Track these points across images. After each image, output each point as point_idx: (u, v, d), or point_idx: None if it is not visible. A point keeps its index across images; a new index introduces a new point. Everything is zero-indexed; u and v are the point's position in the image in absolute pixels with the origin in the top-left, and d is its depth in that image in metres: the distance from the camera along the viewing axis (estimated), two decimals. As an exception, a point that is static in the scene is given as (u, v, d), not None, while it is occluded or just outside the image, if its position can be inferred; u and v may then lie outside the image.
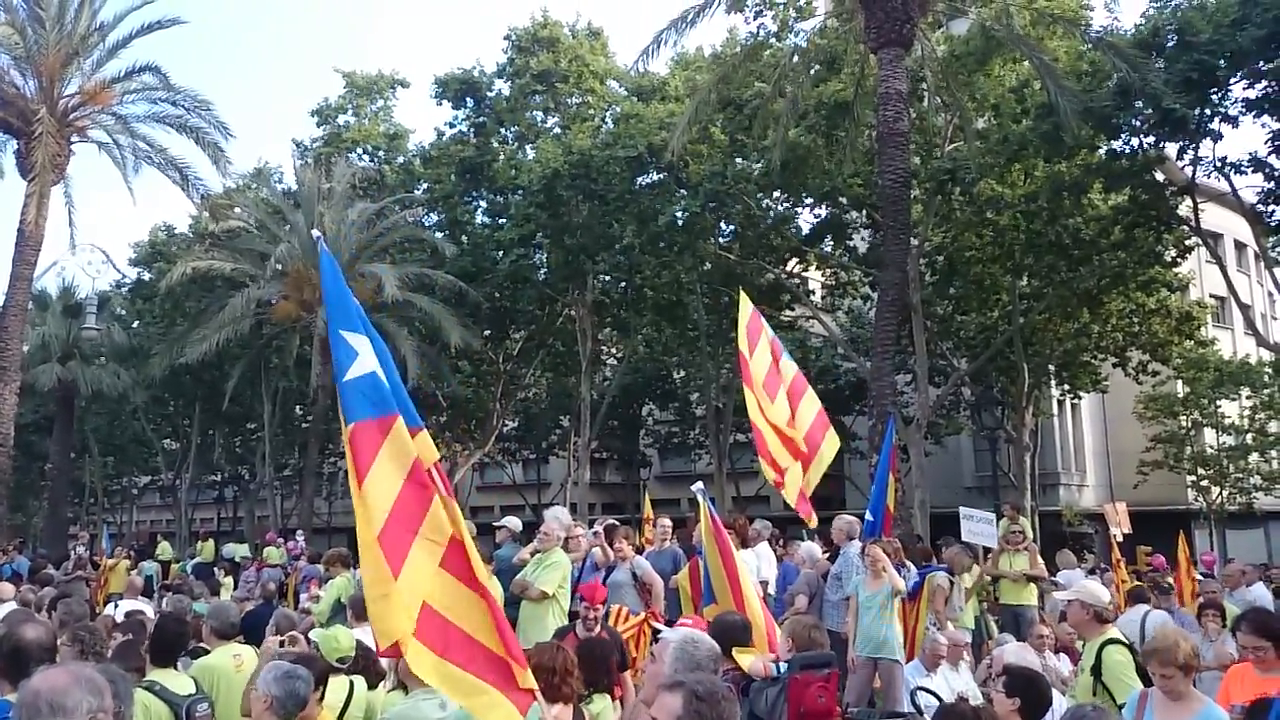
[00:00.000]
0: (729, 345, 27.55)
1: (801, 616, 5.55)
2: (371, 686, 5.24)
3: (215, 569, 17.80)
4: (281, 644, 5.85)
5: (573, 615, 7.26)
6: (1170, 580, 12.97)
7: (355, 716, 4.89)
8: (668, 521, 10.04)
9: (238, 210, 27.83)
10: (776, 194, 24.14)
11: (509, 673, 3.78)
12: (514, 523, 9.92)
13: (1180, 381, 27.05)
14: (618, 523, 9.75)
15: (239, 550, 22.41)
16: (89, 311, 25.76)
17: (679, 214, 22.84)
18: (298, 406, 33.56)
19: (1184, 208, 19.76)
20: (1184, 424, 27.97)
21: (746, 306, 9.36)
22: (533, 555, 8.05)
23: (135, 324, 33.90)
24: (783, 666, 5.01)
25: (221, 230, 26.83)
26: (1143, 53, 16.88)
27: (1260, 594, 11.02)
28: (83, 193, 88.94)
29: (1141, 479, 27.69)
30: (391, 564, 3.79)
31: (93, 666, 2.84)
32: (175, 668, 5.18)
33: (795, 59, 20.88)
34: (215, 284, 27.20)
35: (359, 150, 31.52)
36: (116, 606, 9.37)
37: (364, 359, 4.13)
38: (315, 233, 4.77)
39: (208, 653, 5.78)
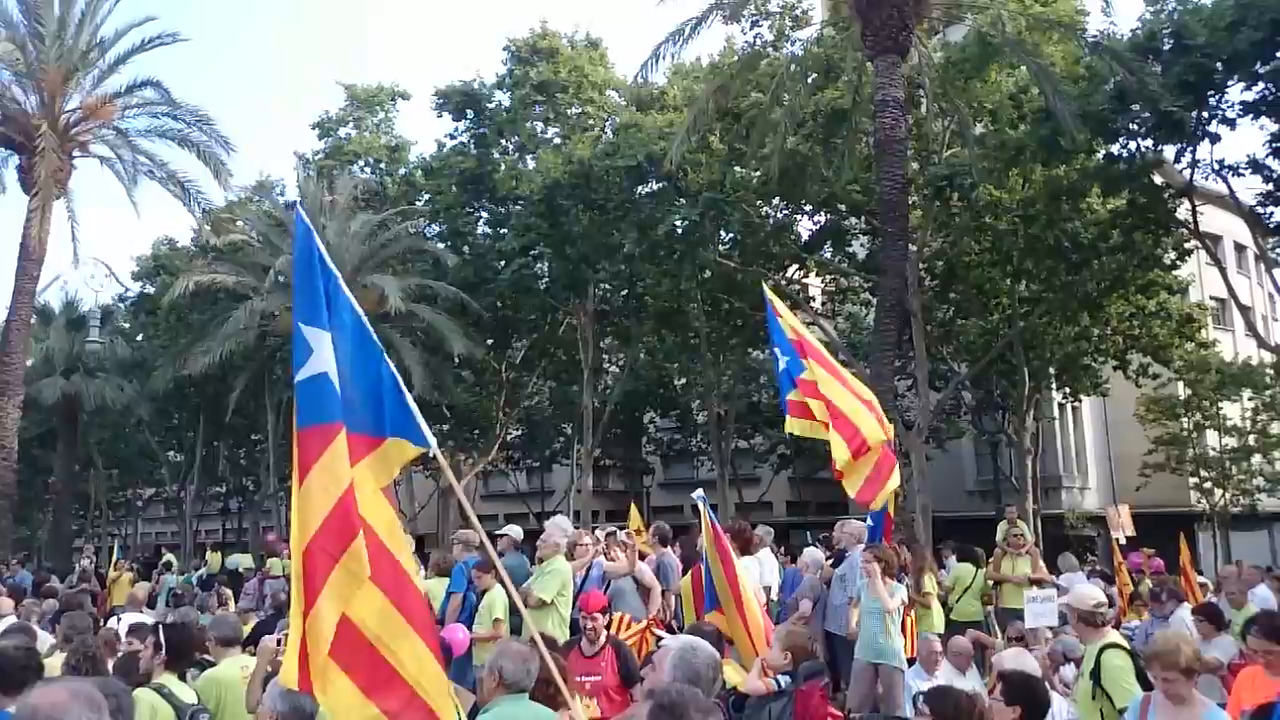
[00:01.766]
0: (730, 352, 27.65)
1: (797, 628, 5.58)
2: None
3: (216, 581, 17.81)
4: (279, 643, 5.88)
5: (575, 624, 7.28)
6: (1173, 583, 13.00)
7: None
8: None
9: (240, 223, 27.94)
10: (775, 201, 24.20)
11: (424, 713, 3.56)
12: (515, 531, 9.96)
13: (1181, 384, 27.04)
14: (617, 530, 9.76)
15: (242, 561, 22.40)
16: (92, 325, 25.87)
17: (679, 222, 22.91)
18: (301, 417, 33.56)
19: (1183, 210, 19.80)
20: (1186, 426, 27.95)
21: (773, 302, 8.77)
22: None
23: (139, 337, 34.01)
24: (783, 680, 5.03)
25: (224, 243, 26.93)
26: (1140, 56, 16.96)
27: (1264, 595, 11.02)
28: (85, 207, 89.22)
29: (1144, 481, 27.66)
30: (309, 584, 3.58)
31: (92, 682, 2.87)
32: (185, 676, 5.24)
33: (792, 68, 20.97)
34: (218, 297, 27.28)
35: (361, 162, 31.64)
36: (120, 620, 9.39)
37: (318, 358, 3.84)
38: (295, 200, 4.39)
39: (214, 664, 5.83)
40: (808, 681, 5.01)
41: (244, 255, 27.43)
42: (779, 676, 5.43)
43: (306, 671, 3.53)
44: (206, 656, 6.11)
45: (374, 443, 3.84)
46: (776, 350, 8.40)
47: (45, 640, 7.20)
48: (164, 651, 5.15)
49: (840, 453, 7.59)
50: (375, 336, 4.03)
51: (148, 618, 9.20)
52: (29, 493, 36.27)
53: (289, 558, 20.34)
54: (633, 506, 16.00)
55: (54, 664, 5.47)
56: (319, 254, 3.92)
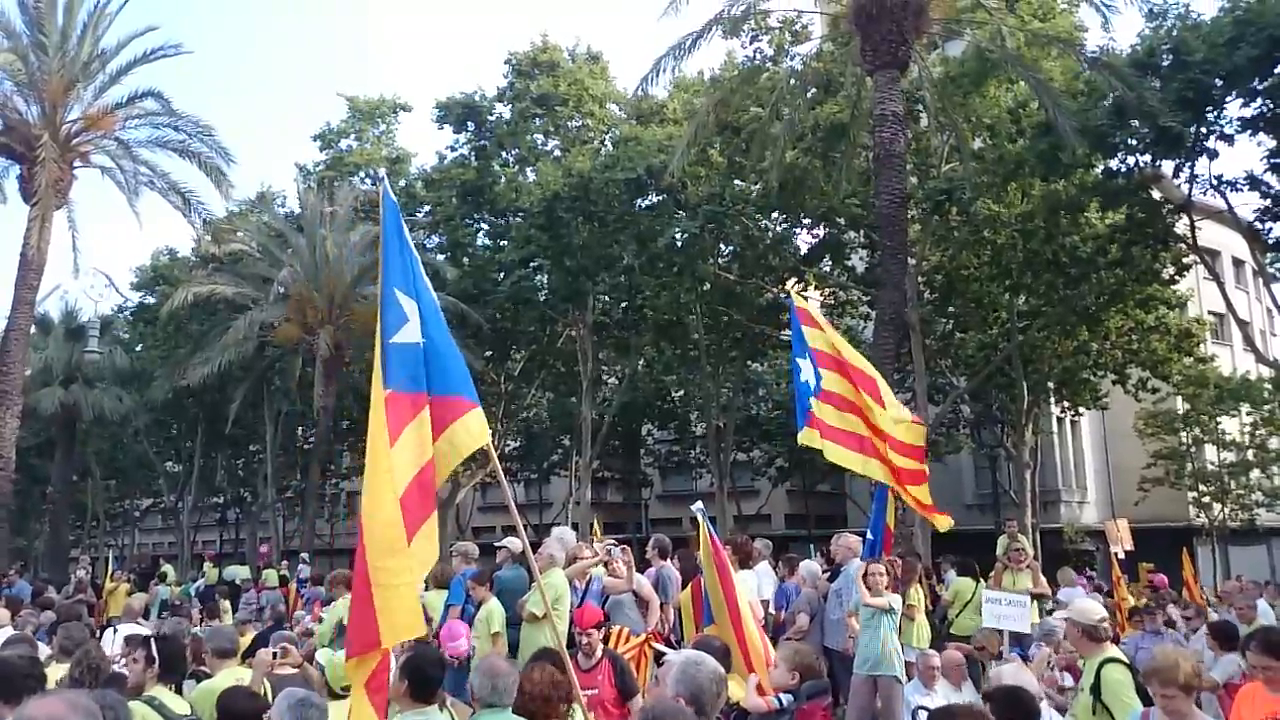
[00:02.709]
0: (729, 364, 27.67)
1: (803, 645, 5.55)
2: None
3: (215, 592, 17.77)
4: (274, 656, 5.86)
5: (573, 637, 7.24)
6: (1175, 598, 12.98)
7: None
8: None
9: (240, 234, 27.98)
10: (774, 215, 24.28)
11: None
12: (514, 543, 9.90)
13: (1180, 398, 27.05)
14: (615, 544, 9.71)
15: (240, 572, 22.36)
16: (91, 335, 25.83)
17: (678, 235, 22.96)
18: (299, 429, 33.62)
19: (1181, 225, 19.85)
20: (1184, 440, 27.94)
21: (803, 311, 8.59)
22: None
23: (138, 348, 34.02)
24: (785, 698, 5.00)
25: (224, 254, 26.95)
26: (1139, 72, 17.02)
27: (1264, 610, 11.01)
28: (85, 218, 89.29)
29: (1142, 495, 27.64)
30: (409, 526, 3.82)
31: (89, 694, 2.86)
32: (178, 688, 5.21)
33: (792, 82, 21.05)
34: (218, 307, 27.31)
35: (361, 174, 31.72)
36: (116, 631, 9.35)
37: (411, 327, 4.09)
38: (381, 172, 4.80)
39: (210, 676, 5.81)
40: (810, 701, 4.97)
41: (244, 266, 27.47)
42: (781, 695, 5.39)
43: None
44: (203, 668, 6.09)
45: (467, 406, 4.16)
46: (799, 361, 8.32)
47: (42, 651, 7.17)
48: (155, 664, 5.12)
49: (872, 470, 7.77)
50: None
51: (144, 629, 9.16)
52: (26, 502, 36.22)
53: (283, 569, 20.12)
54: (594, 522, 15.43)
55: (53, 674, 5.45)
56: (404, 228, 4.35)
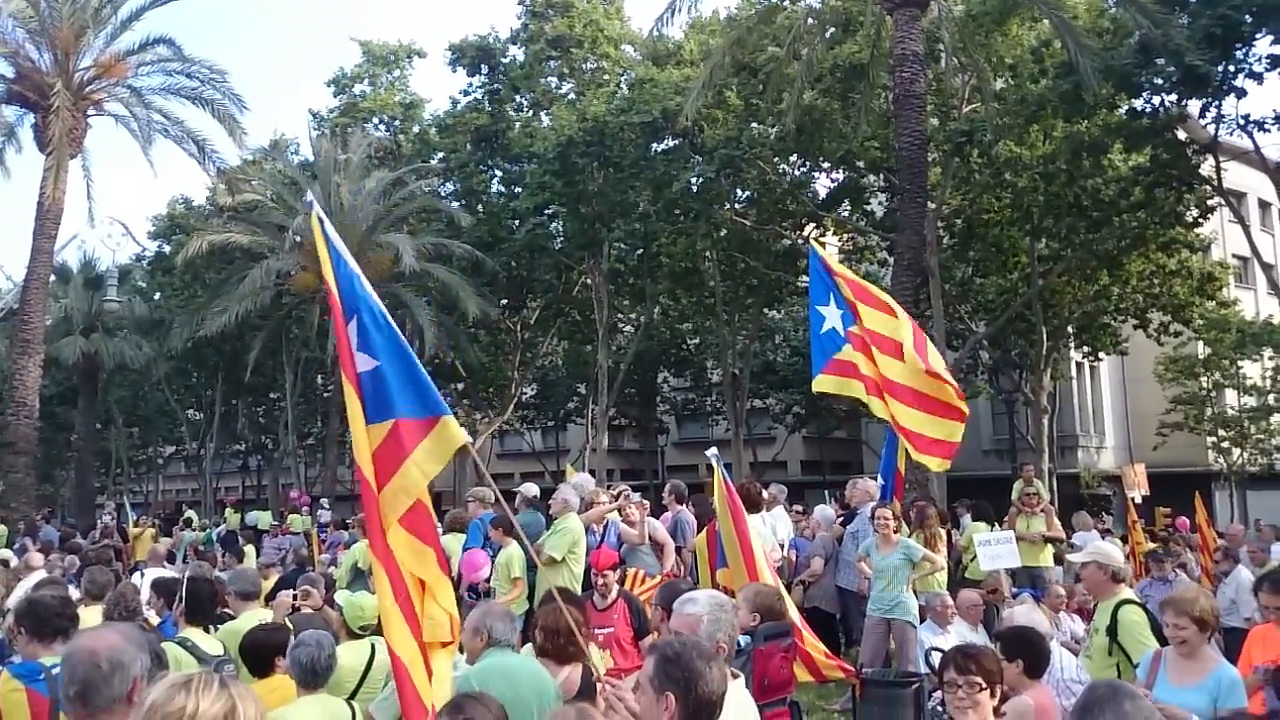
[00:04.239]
0: (745, 311, 27.56)
1: (764, 586, 5.59)
2: None
3: (239, 537, 18.08)
4: (295, 598, 5.96)
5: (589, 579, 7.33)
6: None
7: (377, 679, 4.97)
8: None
9: (254, 182, 27.92)
10: (792, 158, 23.96)
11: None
12: (529, 489, 10.03)
13: (1201, 343, 26.82)
14: (629, 489, 9.78)
15: (263, 518, 22.71)
16: (110, 284, 25.92)
17: (694, 180, 22.74)
18: (319, 375, 33.83)
19: (1206, 167, 19.48)
20: (1205, 385, 27.77)
21: (825, 260, 8.44)
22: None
23: (156, 296, 34.19)
24: (743, 639, 5.01)
25: (239, 202, 26.94)
26: (1165, 9, 16.57)
27: (1277, 553, 11.02)
28: (101, 166, 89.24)
29: (1161, 441, 27.55)
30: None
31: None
32: (207, 628, 5.33)
33: (810, 21, 20.65)
34: (234, 256, 27.36)
35: (375, 120, 31.50)
36: (143, 575, 9.55)
37: (364, 356, 3.84)
38: (308, 198, 4.26)
39: (233, 618, 5.92)
40: (769, 642, 4.95)
41: (259, 214, 27.45)
42: (740, 636, 5.43)
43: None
44: (227, 610, 6.21)
45: (428, 424, 3.76)
46: (820, 309, 8.27)
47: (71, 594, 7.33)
48: (183, 605, 5.23)
49: (897, 412, 7.73)
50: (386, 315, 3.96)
51: (170, 573, 9.36)
52: (51, 450, 36.77)
53: (308, 513, 20.40)
54: (569, 466, 14.58)
55: (82, 616, 5.57)
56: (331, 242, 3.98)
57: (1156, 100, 18.26)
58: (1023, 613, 5.50)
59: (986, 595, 8.84)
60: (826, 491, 19.84)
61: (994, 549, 9.00)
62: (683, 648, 2.79)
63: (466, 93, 29.48)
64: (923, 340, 8.31)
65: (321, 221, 4.02)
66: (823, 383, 8.29)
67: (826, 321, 8.23)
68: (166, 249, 33.02)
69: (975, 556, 11.59)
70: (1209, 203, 20.91)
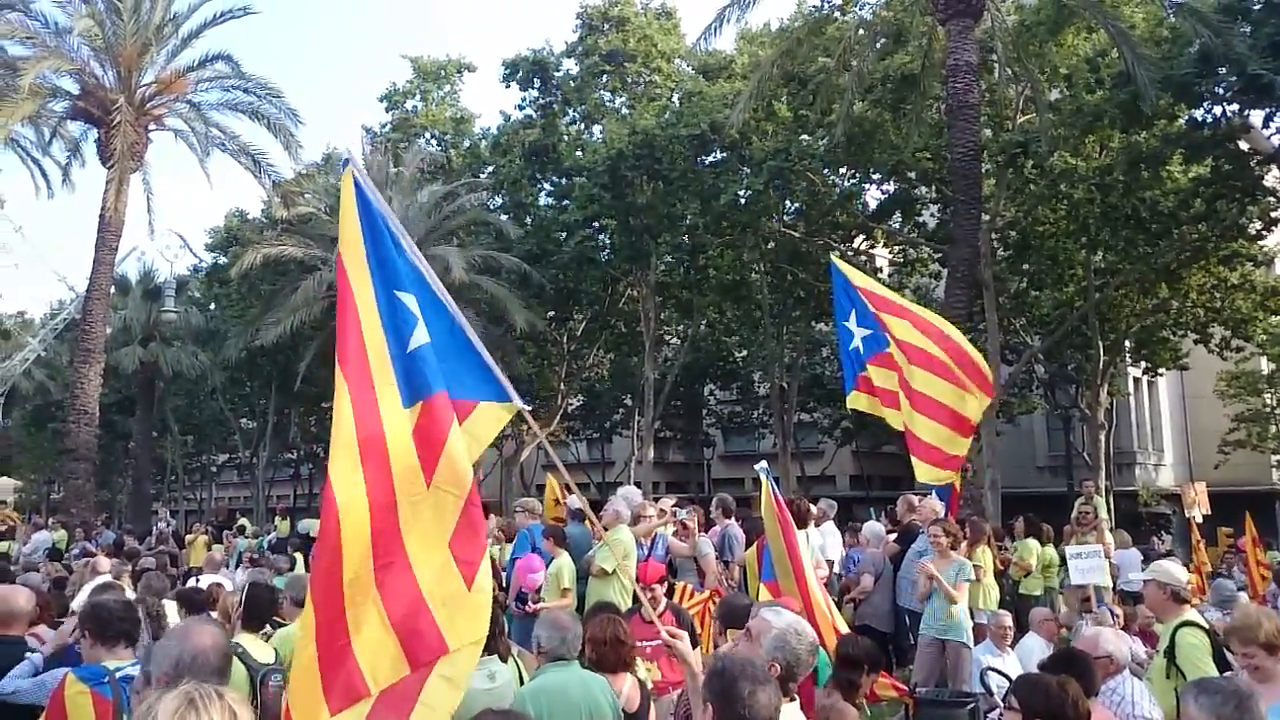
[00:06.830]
0: (793, 325, 27.38)
1: (736, 595, 5.59)
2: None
3: (287, 545, 18.25)
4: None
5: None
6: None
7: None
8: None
9: (307, 196, 28.38)
10: (842, 170, 23.79)
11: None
12: (573, 501, 10.02)
13: (1265, 358, 26.11)
14: (675, 507, 9.75)
15: (313, 526, 22.92)
16: (168, 295, 26.52)
17: (742, 192, 22.66)
18: (370, 386, 34.16)
19: (1270, 178, 19.04)
20: (1268, 402, 27.02)
21: (847, 274, 8.35)
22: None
23: (211, 307, 34.87)
24: None
25: (292, 215, 27.40)
26: (1226, 17, 16.23)
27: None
28: (160, 180, 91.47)
29: (1223, 459, 26.85)
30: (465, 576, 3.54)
31: None
32: (262, 635, 5.37)
33: (860, 32, 20.52)
34: (288, 268, 27.78)
35: (427, 135, 31.88)
36: (199, 581, 9.67)
37: (420, 329, 3.71)
38: (346, 153, 4.01)
39: (285, 624, 5.97)
40: None
41: (312, 227, 27.86)
42: None
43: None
44: (279, 618, 6.26)
45: (469, 406, 3.76)
46: (847, 325, 8.29)
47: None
48: (240, 610, 5.28)
49: (919, 427, 7.66)
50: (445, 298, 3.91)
51: (224, 579, 9.49)
52: (109, 457, 37.62)
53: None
54: (550, 478, 13.20)
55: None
56: (380, 216, 3.87)
57: (1217, 110, 17.89)
58: (1109, 635, 5.35)
59: (1081, 603, 8.80)
60: (872, 508, 19.59)
61: (1084, 562, 9.04)
62: (732, 665, 2.87)
63: (520, 107, 29.75)
64: (938, 332, 8.21)
65: (358, 182, 3.74)
66: (856, 400, 8.39)
67: (854, 339, 8.28)
68: (222, 261, 33.64)
69: (1027, 574, 11.44)
70: (1273, 215, 20.41)
